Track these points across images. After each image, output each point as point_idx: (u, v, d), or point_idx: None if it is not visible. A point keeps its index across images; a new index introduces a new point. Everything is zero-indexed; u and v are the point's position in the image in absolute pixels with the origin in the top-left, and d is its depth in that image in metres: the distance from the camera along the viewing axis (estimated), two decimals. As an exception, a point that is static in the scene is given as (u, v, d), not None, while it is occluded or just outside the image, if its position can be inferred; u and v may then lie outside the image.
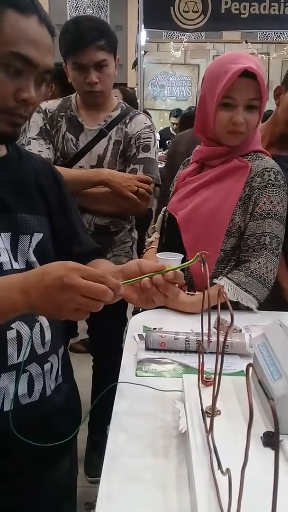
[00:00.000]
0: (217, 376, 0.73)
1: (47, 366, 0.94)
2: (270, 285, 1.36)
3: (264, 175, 1.38)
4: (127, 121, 1.76)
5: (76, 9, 11.34)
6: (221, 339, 0.78)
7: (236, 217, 1.39)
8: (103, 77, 1.66)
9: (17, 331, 0.87)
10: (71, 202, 1.07)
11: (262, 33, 8.64)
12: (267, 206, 1.37)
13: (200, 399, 0.83)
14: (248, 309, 1.34)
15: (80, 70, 1.64)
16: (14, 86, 0.81)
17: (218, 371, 0.72)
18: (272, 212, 1.37)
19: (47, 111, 1.79)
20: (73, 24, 1.64)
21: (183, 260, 1.38)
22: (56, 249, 0.99)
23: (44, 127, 1.78)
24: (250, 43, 6.47)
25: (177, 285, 0.82)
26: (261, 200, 1.37)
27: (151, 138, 1.77)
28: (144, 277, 0.80)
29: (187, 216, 1.44)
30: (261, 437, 0.79)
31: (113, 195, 1.66)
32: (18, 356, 0.87)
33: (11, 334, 0.86)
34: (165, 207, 1.60)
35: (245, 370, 0.48)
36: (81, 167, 1.75)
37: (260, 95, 1.33)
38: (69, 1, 11.31)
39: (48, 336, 0.94)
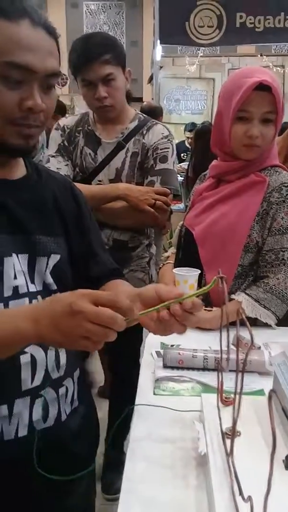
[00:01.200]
0: (237, 396, 0.71)
1: (62, 391, 0.92)
2: None
3: (282, 190, 1.37)
4: (144, 132, 1.75)
5: (93, 26, 11.53)
6: (241, 357, 0.76)
7: (253, 233, 1.38)
8: (112, 91, 1.65)
9: (31, 355, 0.85)
10: (90, 221, 1.05)
11: (276, 46, 8.66)
12: (285, 221, 1.35)
13: (219, 420, 0.82)
14: (266, 324, 1.32)
15: (89, 87, 1.64)
16: (17, 96, 0.77)
17: (238, 391, 0.71)
18: None
19: (65, 128, 1.80)
20: (79, 42, 1.65)
21: (200, 276, 1.37)
22: (74, 270, 0.98)
23: (62, 144, 1.78)
24: (265, 56, 6.47)
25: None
26: (279, 215, 1.36)
27: (168, 148, 1.74)
28: (162, 306, 0.77)
29: (204, 232, 1.43)
30: (283, 460, 0.76)
31: (130, 209, 1.65)
32: (33, 381, 0.86)
33: (25, 359, 0.84)
34: (181, 222, 1.59)
35: (267, 394, 0.47)
36: (100, 181, 1.75)
37: (276, 108, 1.32)
38: (85, 19, 11.51)
39: (63, 359, 0.92)
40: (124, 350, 1.78)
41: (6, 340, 0.73)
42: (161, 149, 1.73)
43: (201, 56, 6.19)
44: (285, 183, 1.38)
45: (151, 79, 5.60)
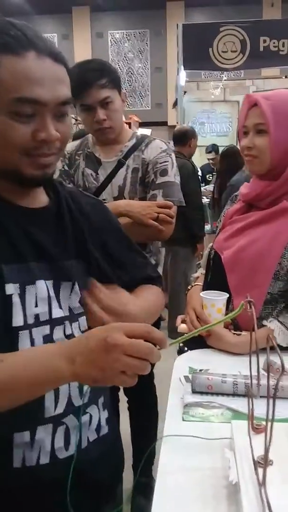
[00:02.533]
0: (269, 424, 0.70)
1: (84, 418, 0.91)
2: None
3: None
4: (143, 148, 1.78)
5: (118, 54, 11.83)
6: (272, 383, 0.75)
7: (284, 261, 1.34)
8: (110, 114, 1.69)
9: None
10: (110, 233, 1.05)
11: (301, 68, 8.68)
12: None
13: (251, 448, 0.80)
14: None
15: (88, 111, 1.68)
16: (30, 129, 0.77)
17: (269, 418, 0.69)
18: None
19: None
20: (75, 70, 1.67)
21: (228, 300, 1.36)
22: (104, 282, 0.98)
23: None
24: (290, 78, 6.49)
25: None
26: None
27: (167, 161, 1.76)
28: (195, 333, 0.77)
29: (233, 257, 1.41)
30: None
31: (134, 225, 1.64)
32: (55, 408, 0.86)
33: None
34: (211, 244, 1.59)
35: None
36: (104, 199, 1.76)
37: (264, 119, 1.34)
38: (110, 47, 11.83)
39: (86, 386, 0.91)
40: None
41: (40, 380, 0.72)
42: (160, 163, 1.75)
43: (225, 80, 6.25)
44: None
45: (175, 103, 5.68)
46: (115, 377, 0.67)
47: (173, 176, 1.77)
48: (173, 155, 1.80)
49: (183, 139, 4.10)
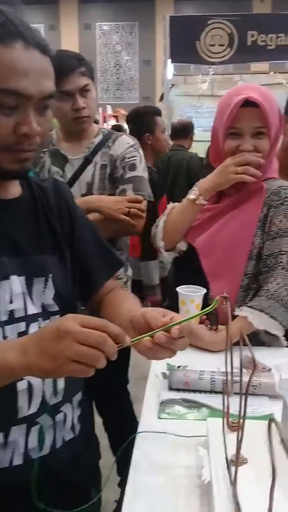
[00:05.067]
0: (242, 421, 0.68)
1: (59, 417, 0.89)
2: None
3: (280, 192, 1.37)
4: (110, 144, 1.75)
5: (106, 46, 11.73)
6: (247, 380, 0.73)
7: (257, 239, 1.37)
8: (89, 102, 1.67)
9: (28, 382, 0.83)
10: (82, 227, 1.01)
11: (289, 64, 8.68)
12: (284, 224, 1.34)
13: (224, 446, 0.78)
14: (275, 340, 1.28)
15: (66, 98, 1.65)
16: (12, 122, 0.75)
17: (242, 415, 0.68)
18: None
19: None
20: (53, 57, 1.67)
21: (206, 293, 1.34)
22: (75, 288, 0.96)
23: None
24: (278, 73, 6.49)
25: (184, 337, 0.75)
26: (277, 218, 1.35)
27: (136, 156, 1.75)
28: (149, 335, 0.73)
29: (206, 242, 1.42)
30: (291, 490, 0.73)
31: (105, 221, 1.62)
32: (29, 407, 0.83)
33: (21, 385, 0.82)
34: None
35: (277, 419, 0.44)
36: None
37: (266, 123, 1.32)
38: (98, 39, 11.72)
39: (61, 384, 0.89)
40: (108, 377, 1.72)
41: None
42: (128, 158, 1.73)
43: (213, 74, 6.22)
44: (283, 185, 1.39)
45: (162, 97, 5.64)
46: (67, 367, 0.64)
47: (142, 171, 1.75)
48: (140, 150, 1.79)
49: (185, 132, 4.06)
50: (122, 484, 1.92)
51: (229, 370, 0.82)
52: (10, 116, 0.75)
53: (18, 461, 0.82)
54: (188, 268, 1.49)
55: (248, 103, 1.30)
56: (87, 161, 1.74)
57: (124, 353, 1.84)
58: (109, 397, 1.88)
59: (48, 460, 0.85)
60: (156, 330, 0.73)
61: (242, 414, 0.67)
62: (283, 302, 1.27)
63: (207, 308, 0.73)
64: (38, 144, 0.80)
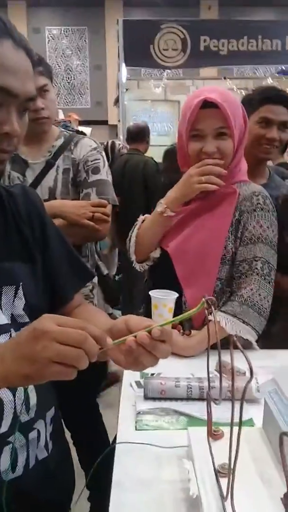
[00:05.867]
0: (232, 428, 0.65)
1: (32, 435, 0.83)
2: (266, 314, 1.30)
3: (253, 199, 1.36)
4: (72, 147, 1.71)
5: (55, 50, 11.59)
6: (225, 384, 0.70)
7: (229, 244, 1.36)
8: (48, 103, 1.62)
9: None
10: (52, 236, 0.97)
11: (238, 69, 8.87)
12: (256, 230, 1.34)
13: (211, 457, 0.75)
14: (246, 344, 1.27)
15: None
16: None
17: (231, 422, 0.64)
18: (262, 237, 1.33)
19: None
20: None
21: (178, 298, 1.32)
22: (47, 297, 0.91)
23: None
24: (229, 79, 6.62)
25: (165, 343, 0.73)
26: (250, 224, 1.34)
27: (99, 159, 1.71)
28: (130, 336, 0.71)
29: (179, 247, 1.40)
30: (281, 498, 0.70)
31: (69, 226, 1.57)
32: (0, 426, 0.78)
33: None
34: None
35: (256, 424, 0.41)
36: None
37: (228, 123, 1.31)
38: (48, 42, 11.56)
39: (33, 399, 0.84)
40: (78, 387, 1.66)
41: None
42: (91, 161, 1.69)
43: (165, 79, 6.27)
44: (255, 192, 1.38)
45: (117, 100, 5.62)
46: (47, 368, 0.60)
47: (106, 174, 1.71)
48: (103, 153, 1.74)
49: (140, 135, 4.02)
50: (92, 498, 1.85)
51: (211, 375, 0.80)
52: None
53: None
54: (162, 273, 1.46)
55: (208, 105, 1.30)
56: (49, 165, 1.67)
57: (101, 364, 1.77)
58: (78, 409, 1.81)
59: (21, 482, 0.79)
60: (137, 332, 0.70)
61: (234, 420, 0.64)
62: (256, 307, 1.27)
63: (192, 310, 0.70)
64: (15, 146, 0.77)
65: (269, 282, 1.32)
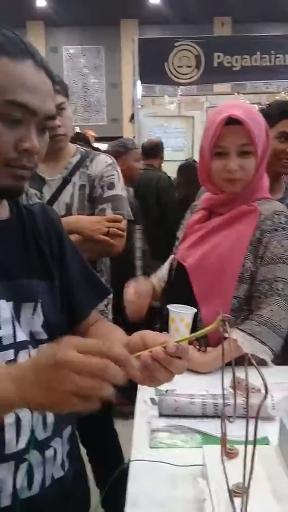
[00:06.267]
0: (247, 447, 0.65)
1: (49, 453, 0.83)
2: (284, 334, 1.29)
3: (274, 218, 1.35)
4: (88, 163, 1.73)
5: (73, 69, 11.80)
6: (241, 401, 0.70)
7: (247, 262, 1.34)
8: (64, 121, 1.66)
9: (16, 415, 0.77)
10: (70, 253, 0.98)
11: (251, 84, 8.90)
12: (278, 250, 1.32)
13: (225, 477, 0.74)
14: (262, 363, 1.26)
15: None
16: (14, 136, 0.75)
17: (247, 440, 0.64)
18: (284, 257, 1.32)
19: None
20: None
21: (196, 313, 1.31)
22: (64, 314, 0.92)
23: None
24: (242, 94, 6.65)
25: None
26: (271, 243, 1.33)
27: (114, 175, 1.73)
28: (144, 352, 0.70)
29: (197, 264, 1.39)
30: (298, 520, 0.69)
31: (85, 242, 1.59)
32: (17, 443, 0.78)
33: (9, 419, 0.76)
34: (172, 255, 1.55)
35: (272, 442, 0.40)
36: None
37: (252, 140, 1.31)
38: (65, 62, 11.78)
39: (51, 417, 0.83)
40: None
41: None
42: (106, 177, 1.71)
43: (180, 95, 6.32)
44: (277, 211, 1.36)
45: (132, 117, 5.67)
46: (65, 400, 0.57)
47: (120, 189, 1.73)
48: (118, 169, 1.77)
49: (154, 151, 4.07)
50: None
51: (226, 393, 0.79)
52: (13, 130, 0.75)
53: (5, 502, 0.76)
54: (178, 289, 1.46)
55: (232, 121, 1.29)
56: (65, 181, 1.70)
57: None
58: (93, 425, 1.81)
59: (36, 500, 0.79)
60: (153, 348, 0.70)
61: (248, 439, 0.63)
62: (275, 328, 1.26)
63: (208, 327, 0.70)
64: (35, 164, 0.79)
65: None
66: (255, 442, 0.61)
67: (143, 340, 0.74)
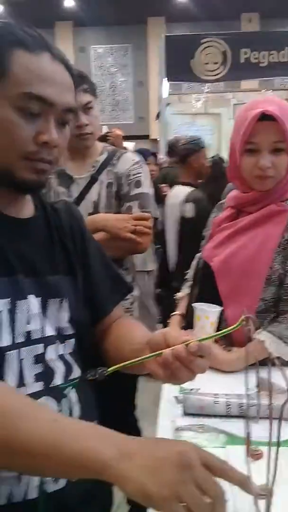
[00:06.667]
0: (271, 448, 0.63)
1: None
2: None
3: None
4: (115, 162, 1.74)
5: (100, 68, 11.87)
6: (266, 402, 0.69)
7: (275, 264, 1.31)
8: (92, 119, 1.67)
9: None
10: (92, 251, 0.98)
11: (279, 81, 8.77)
12: None
13: (249, 478, 0.73)
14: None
15: None
16: (33, 129, 0.75)
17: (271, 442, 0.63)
18: None
19: None
20: None
21: (221, 313, 1.30)
22: (88, 310, 0.92)
23: None
24: (270, 90, 6.57)
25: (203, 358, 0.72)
26: None
27: (141, 173, 1.73)
28: (166, 350, 0.70)
29: (223, 264, 1.37)
30: None
31: (111, 240, 1.60)
32: None
33: None
34: (199, 254, 1.54)
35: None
36: None
37: (285, 137, 1.28)
38: (93, 61, 11.86)
39: (76, 412, 0.84)
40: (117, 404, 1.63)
41: (67, 462, 0.60)
42: (134, 175, 1.71)
43: (206, 93, 6.28)
44: None
45: (158, 115, 5.67)
46: (170, 501, 0.53)
47: (147, 187, 1.74)
48: (145, 167, 1.77)
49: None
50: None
51: (250, 392, 0.78)
52: (32, 123, 0.75)
53: (32, 494, 0.76)
54: (204, 288, 1.45)
55: (265, 117, 1.25)
56: (93, 179, 1.72)
57: (132, 379, 1.75)
58: (118, 422, 1.82)
59: (62, 494, 0.79)
60: (175, 346, 0.70)
61: (272, 439, 0.62)
62: None
63: (231, 327, 0.69)
64: (56, 158, 0.79)
65: None
66: (278, 443, 0.59)
67: (166, 338, 0.74)
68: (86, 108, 1.64)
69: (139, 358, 0.71)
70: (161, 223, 3.32)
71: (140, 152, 3.57)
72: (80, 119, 1.63)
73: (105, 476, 0.58)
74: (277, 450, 0.60)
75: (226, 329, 0.71)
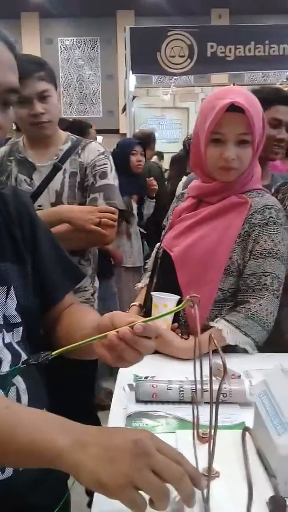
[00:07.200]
0: (212, 432, 0.64)
1: None
2: (270, 328, 1.28)
3: (265, 212, 1.32)
4: (79, 151, 1.71)
5: (68, 60, 11.73)
6: (217, 387, 0.69)
7: (235, 255, 1.32)
8: (49, 107, 1.62)
9: None
10: (42, 237, 0.96)
11: (248, 76, 8.85)
12: (268, 245, 1.30)
13: (195, 460, 0.73)
14: (246, 350, 1.26)
15: (24, 104, 1.59)
16: None
17: (212, 425, 0.63)
18: (273, 251, 1.29)
19: None
20: None
21: (179, 301, 1.30)
22: (38, 298, 0.90)
23: None
24: (238, 85, 6.63)
25: (153, 338, 0.72)
26: (261, 238, 1.30)
27: (106, 164, 1.71)
28: (111, 332, 0.70)
29: (183, 253, 1.37)
30: (267, 503, 0.68)
31: (76, 231, 1.58)
32: None
33: None
34: (159, 244, 1.54)
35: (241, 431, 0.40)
36: (40, 206, 1.66)
37: (251, 130, 1.28)
38: (60, 53, 11.71)
39: (24, 399, 0.82)
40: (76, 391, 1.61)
41: (30, 449, 0.59)
42: (99, 166, 1.69)
43: (174, 86, 6.29)
44: (268, 205, 1.33)
45: (124, 109, 5.64)
46: (125, 489, 0.54)
47: (112, 179, 1.71)
48: (111, 158, 1.74)
49: (147, 141, 4.06)
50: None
51: (198, 378, 0.78)
52: None
53: None
54: (163, 277, 1.45)
55: (233, 108, 1.25)
56: (56, 168, 1.68)
57: (91, 367, 1.73)
58: (75, 412, 1.81)
59: (10, 483, 0.78)
60: (120, 328, 0.70)
61: (213, 424, 0.62)
62: (261, 322, 1.26)
63: (177, 307, 0.69)
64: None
65: (277, 297, 1.30)
66: (216, 426, 0.60)
67: (112, 321, 0.73)
68: (42, 96, 1.59)
69: (83, 341, 0.71)
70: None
71: (127, 141, 3.53)
72: (34, 107, 1.58)
73: (59, 465, 0.58)
74: (211, 432, 0.60)
75: (171, 309, 0.71)
